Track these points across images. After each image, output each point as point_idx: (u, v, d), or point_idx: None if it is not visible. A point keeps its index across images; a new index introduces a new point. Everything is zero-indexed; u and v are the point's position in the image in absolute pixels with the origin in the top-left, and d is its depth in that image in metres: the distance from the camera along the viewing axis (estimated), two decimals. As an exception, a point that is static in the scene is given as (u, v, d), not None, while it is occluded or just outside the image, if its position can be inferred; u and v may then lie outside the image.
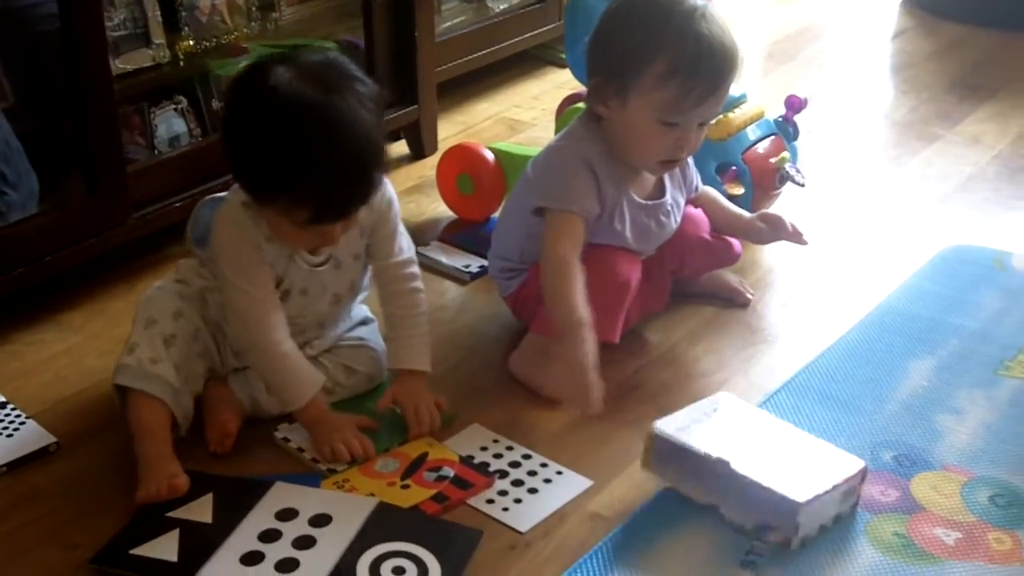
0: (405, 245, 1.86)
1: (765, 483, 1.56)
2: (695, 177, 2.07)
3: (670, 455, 1.65)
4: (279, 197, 1.63)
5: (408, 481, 1.68)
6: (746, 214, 2.10)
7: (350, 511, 1.60)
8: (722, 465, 1.59)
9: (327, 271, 1.80)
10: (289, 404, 1.75)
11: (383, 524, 1.59)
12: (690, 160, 2.02)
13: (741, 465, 1.59)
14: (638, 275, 1.91)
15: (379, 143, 1.66)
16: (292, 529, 1.57)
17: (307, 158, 1.58)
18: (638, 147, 1.85)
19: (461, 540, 1.57)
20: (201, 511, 1.61)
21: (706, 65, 1.77)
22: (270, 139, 1.59)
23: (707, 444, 1.62)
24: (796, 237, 2.07)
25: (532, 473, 1.71)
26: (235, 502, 1.62)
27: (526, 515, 1.64)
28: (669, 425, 1.66)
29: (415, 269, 1.87)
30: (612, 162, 1.88)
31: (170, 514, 1.60)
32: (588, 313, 1.75)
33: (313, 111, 1.58)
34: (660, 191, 1.96)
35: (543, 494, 1.67)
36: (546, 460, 1.73)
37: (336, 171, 1.60)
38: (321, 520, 1.59)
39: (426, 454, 1.74)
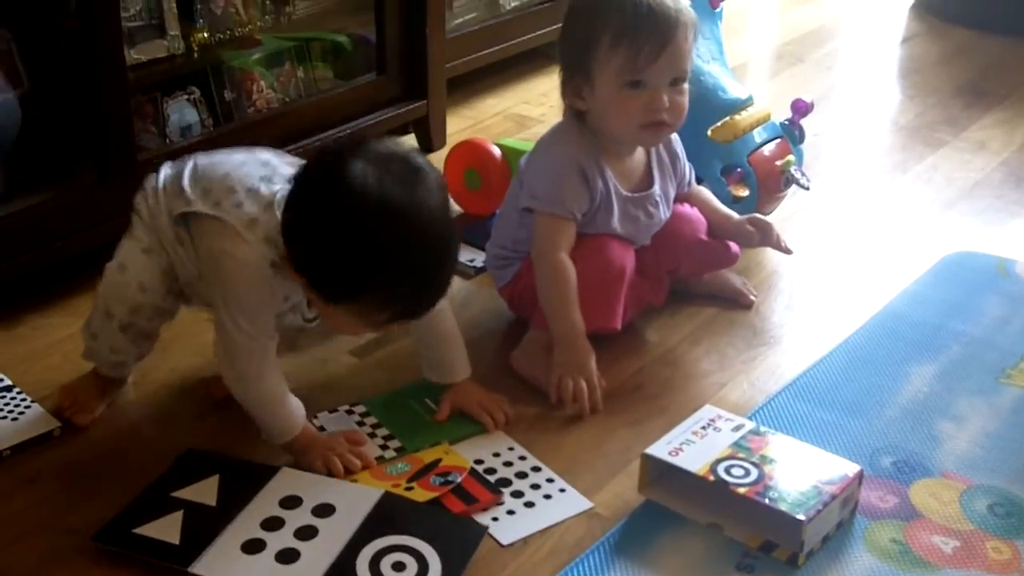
0: None
1: (766, 501, 1.56)
2: (687, 171, 2.09)
3: (666, 478, 1.65)
4: (358, 300, 1.58)
5: (413, 484, 1.68)
6: (736, 216, 2.11)
7: (354, 502, 1.61)
8: (720, 486, 1.60)
9: (320, 324, 1.82)
10: (279, 438, 1.70)
11: (386, 517, 1.59)
12: (682, 154, 2.06)
13: (739, 484, 1.59)
14: (632, 262, 1.94)
15: (456, 238, 1.63)
16: (295, 518, 1.58)
17: (397, 264, 1.53)
18: (617, 119, 1.89)
19: (465, 537, 1.57)
20: (206, 493, 1.62)
21: (648, 23, 1.83)
22: (358, 244, 1.52)
23: (702, 464, 1.63)
24: (780, 246, 2.10)
25: (535, 487, 1.70)
26: (240, 486, 1.63)
27: (512, 528, 1.62)
28: (661, 448, 1.65)
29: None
30: (600, 157, 1.92)
31: (175, 494, 1.61)
32: (581, 320, 1.85)
33: (401, 215, 1.51)
34: (648, 182, 1.99)
35: (538, 509, 1.65)
36: (553, 475, 1.72)
37: (424, 275, 1.56)
38: (324, 510, 1.59)
39: (439, 460, 1.73)
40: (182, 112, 2.36)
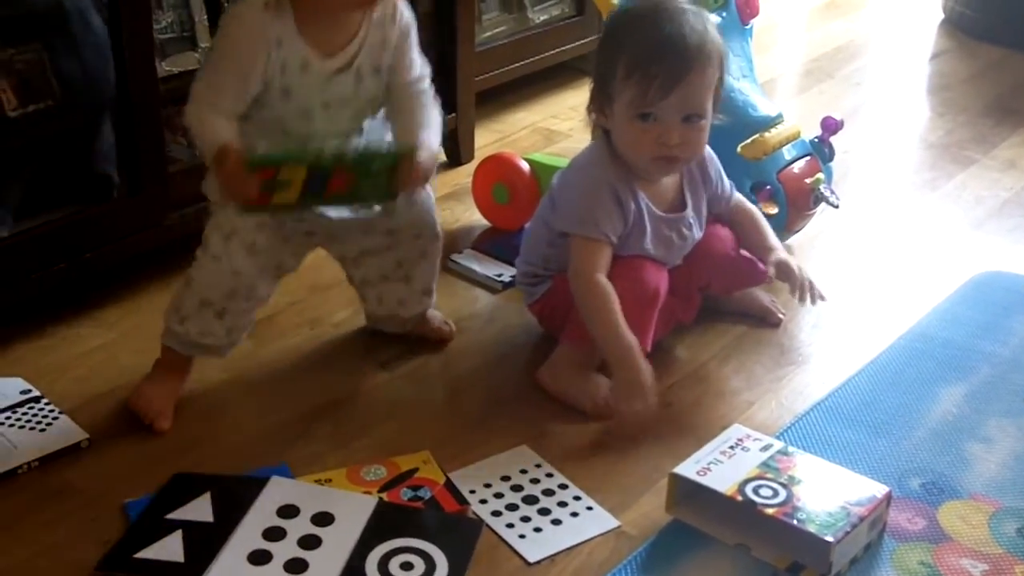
0: (419, 61, 1.86)
1: (794, 522, 1.55)
2: (726, 187, 2.07)
3: (693, 498, 1.65)
4: None
5: (384, 495, 1.68)
6: (772, 242, 2.05)
7: (352, 510, 1.63)
8: (748, 506, 1.59)
9: (347, 82, 1.78)
10: (207, 154, 1.72)
11: (385, 522, 1.61)
12: (719, 169, 2.04)
13: (768, 505, 1.59)
14: (665, 284, 1.93)
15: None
16: (296, 528, 1.59)
17: None
18: (629, 148, 1.88)
19: (463, 532, 1.61)
20: (201, 511, 1.62)
21: (662, 56, 1.81)
22: None
23: (730, 484, 1.62)
24: (804, 298, 2.00)
25: (563, 504, 1.70)
26: (234, 499, 1.64)
27: (539, 546, 1.62)
28: (689, 468, 1.65)
29: (427, 85, 1.87)
30: (632, 178, 1.91)
31: (170, 516, 1.61)
32: (633, 336, 1.82)
33: None
34: (681, 204, 1.98)
35: (565, 527, 1.65)
36: (580, 493, 1.72)
37: None
38: (324, 519, 1.61)
39: (416, 470, 1.74)
40: (213, 124, 2.37)
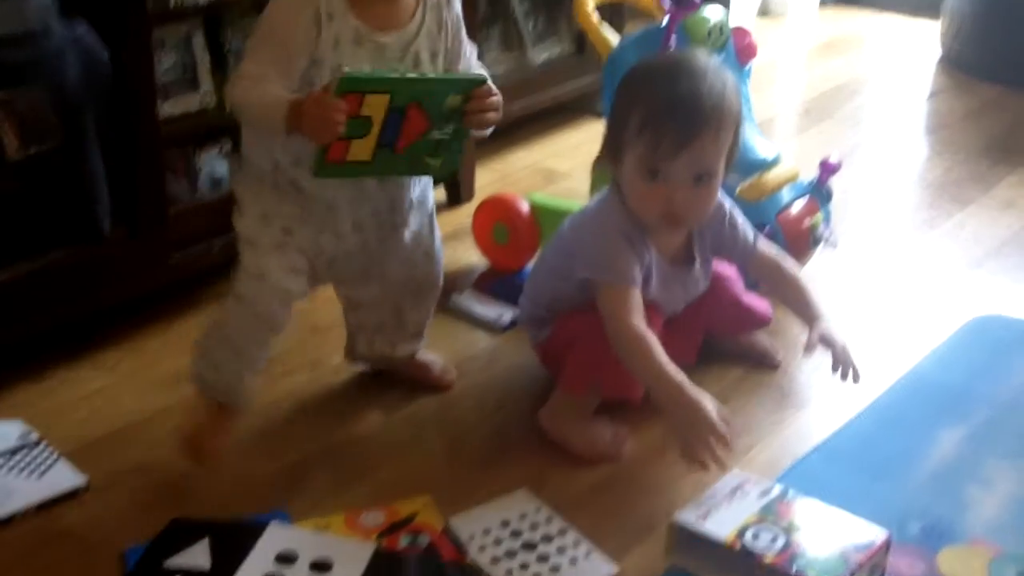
0: (468, 46, 1.84)
1: (793, 570, 1.55)
2: (748, 238, 2.03)
3: (694, 545, 1.64)
4: None
5: (382, 541, 1.68)
6: (817, 309, 2.00)
7: (349, 556, 1.62)
8: (747, 556, 1.59)
9: (403, 63, 1.73)
10: (278, 118, 1.65)
11: (383, 568, 1.61)
12: (738, 219, 2.01)
13: (767, 552, 1.58)
14: (657, 330, 1.90)
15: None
16: (294, 574, 1.59)
17: None
18: (636, 204, 1.86)
19: None
20: (199, 556, 1.62)
21: (673, 115, 1.78)
22: None
23: (729, 530, 1.62)
24: (842, 373, 1.94)
25: (561, 550, 1.68)
26: (232, 545, 1.64)
27: (535, 594, 1.62)
28: (688, 514, 1.65)
29: (479, 64, 1.86)
30: (643, 227, 1.88)
31: (168, 563, 1.60)
32: (680, 373, 1.75)
33: None
34: (689, 256, 1.97)
35: (563, 574, 1.64)
36: (580, 537, 1.71)
37: None
38: (322, 566, 1.60)
39: (415, 515, 1.73)
40: (213, 165, 2.38)
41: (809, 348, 1.95)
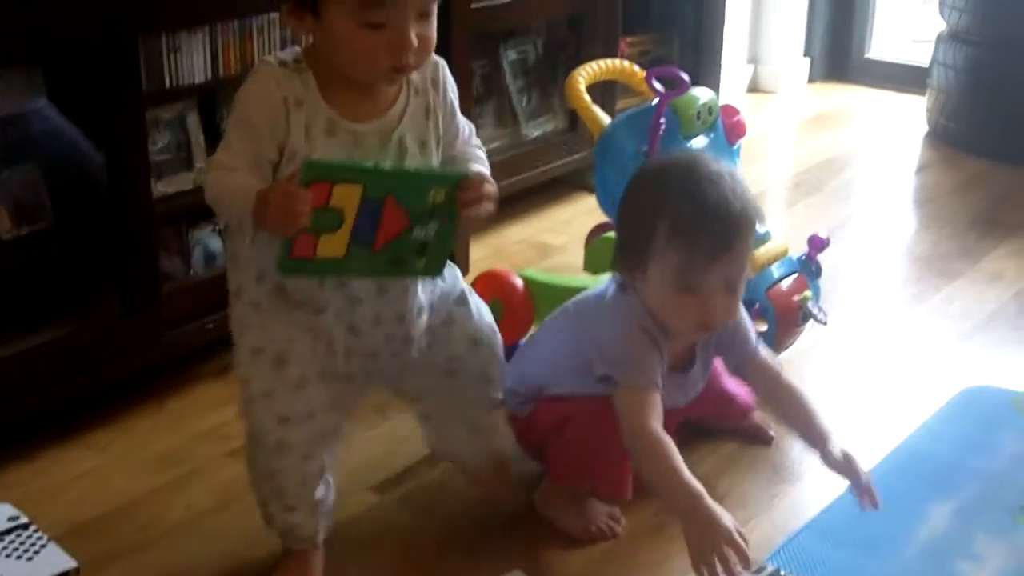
0: (464, 125, 1.75)
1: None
2: (750, 346, 1.96)
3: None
4: None
5: None
6: (824, 428, 1.91)
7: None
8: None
9: (387, 154, 1.61)
10: (246, 210, 1.52)
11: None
12: (745, 328, 1.96)
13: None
14: None
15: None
16: None
17: None
18: (668, 315, 1.80)
19: None
20: None
21: (706, 224, 1.73)
22: None
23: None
24: (863, 498, 1.86)
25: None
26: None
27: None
28: None
29: (476, 142, 1.77)
30: (663, 329, 1.82)
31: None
32: (696, 483, 1.69)
33: None
34: (690, 361, 1.92)
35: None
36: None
37: None
38: None
39: None
40: (207, 242, 2.40)
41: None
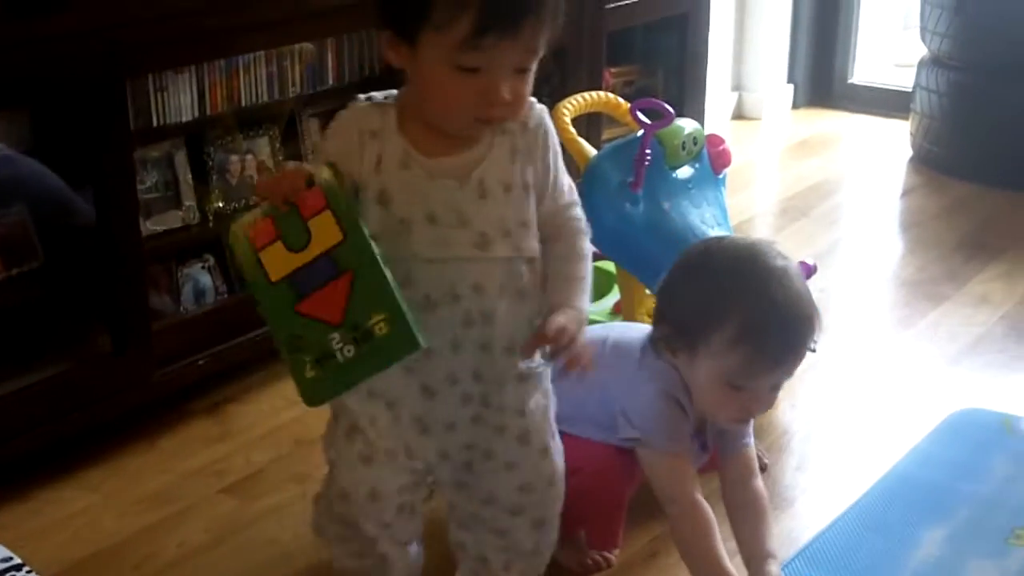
0: (567, 185, 1.58)
1: None
2: (743, 441, 1.85)
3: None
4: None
5: None
6: (769, 548, 1.79)
7: None
8: None
9: (464, 196, 1.48)
10: None
11: None
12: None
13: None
14: (633, 486, 1.89)
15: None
16: None
17: None
18: (708, 406, 1.76)
19: None
20: None
21: (777, 333, 1.67)
22: None
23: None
24: None
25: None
26: None
27: None
28: None
29: (579, 212, 1.59)
30: (689, 400, 1.78)
31: None
32: (730, 567, 1.69)
33: None
34: (701, 435, 1.87)
35: None
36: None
37: None
38: None
39: None
40: (196, 280, 2.41)
41: None
